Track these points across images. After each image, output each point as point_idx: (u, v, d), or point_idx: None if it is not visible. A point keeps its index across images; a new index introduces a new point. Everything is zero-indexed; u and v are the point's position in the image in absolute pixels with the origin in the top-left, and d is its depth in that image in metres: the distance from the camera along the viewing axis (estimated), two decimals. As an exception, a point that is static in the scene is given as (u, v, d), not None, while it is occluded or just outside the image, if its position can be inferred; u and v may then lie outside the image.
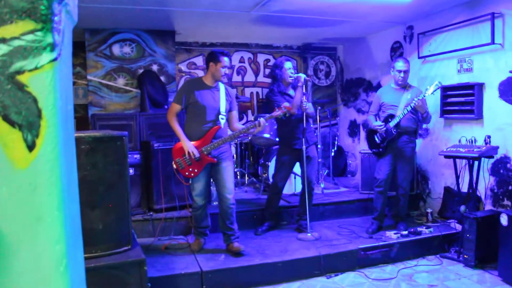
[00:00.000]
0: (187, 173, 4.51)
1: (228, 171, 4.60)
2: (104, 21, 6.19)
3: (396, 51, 7.03)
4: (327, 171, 7.63)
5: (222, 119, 4.55)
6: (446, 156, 5.08)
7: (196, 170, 4.50)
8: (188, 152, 4.43)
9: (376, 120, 5.45)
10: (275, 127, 5.76)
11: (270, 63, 8.44)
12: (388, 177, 5.39)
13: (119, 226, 3.48)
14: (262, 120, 4.45)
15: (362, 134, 8.04)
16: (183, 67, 7.90)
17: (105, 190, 3.38)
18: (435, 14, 6.05)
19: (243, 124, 4.90)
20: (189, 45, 7.91)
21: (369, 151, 6.07)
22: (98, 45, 6.62)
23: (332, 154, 7.64)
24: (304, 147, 5.10)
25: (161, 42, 6.91)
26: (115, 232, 3.46)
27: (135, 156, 5.39)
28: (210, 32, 7.21)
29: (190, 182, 4.63)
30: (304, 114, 5.09)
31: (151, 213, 5.42)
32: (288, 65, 5.19)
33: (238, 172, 7.23)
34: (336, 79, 9.01)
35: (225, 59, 4.41)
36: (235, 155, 7.24)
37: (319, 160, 7.02)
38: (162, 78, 6.87)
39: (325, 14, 6.02)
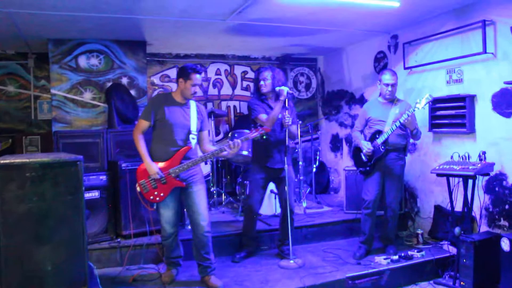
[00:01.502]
0: (151, 197, 4.13)
1: (200, 195, 4.23)
2: (69, 31, 5.84)
3: (380, 61, 6.75)
4: (309, 189, 7.31)
5: (193, 139, 4.22)
6: (439, 175, 4.73)
7: (162, 194, 4.14)
8: (153, 175, 4.09)
9: (364, 138, 5.15)
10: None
11: (248, 75, 8.22)
12: (376, 198, 5.05)
13: (72, 264, 3.04)
14: (236, 141, 4.14)
15: (345, 149, 7.83)
16: (155, 79, 7.56)
17: (56, 224, 2.97)
18: (422, 23, 5.77)
19: (217, 141, 4.56)
20: (161, 56, 7.61)
21: (354, 168, 5.86)
22: (63, 56, 6.27)
23: (314, 170, 7.23)
24: (282, 167, 4.81)
25: (131, 54, 6.61)
26: (68, 272, 3.00)
27: (101, 177, 5.05)
28: (184, 42, 6.93)
29: (155, 207, 4.25)
30: (286, 131, 4.71)
31: (118, 239, 5.05)
32: (266, 74, 4.87)
33: (214, 192, 6.85)
34: (317, 91, 8.79)
35: (197, 76, 4.12)
36: (211, 174, 6.90)
37: (301, 177, 6.75)
38: (133, 92, 6.55)
39: (306, 22, 5.75)
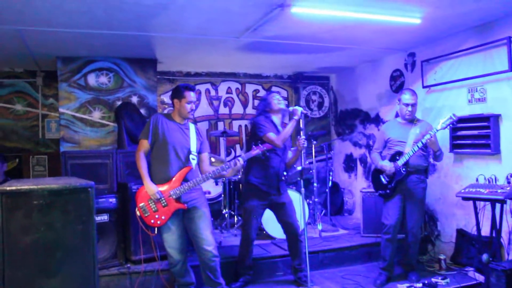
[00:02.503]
0: (152, 221, 4.03)
1: (204, 219, 4.11)
2: (79, 48, 5.79)
3: (396, 80, 6.61)
4: (323, 211, 7.15)
5: (193, 159, 4.15)
6: (465, 198, 4.51)
7: (163, 218, 4.03)
8: (153, 197, 4.02)
9: (383, 159, 4.99)
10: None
11: (260, 94, 8.11)
12: (397, 223, 4.87)
13: (82, 298, 2.78)
14: (238, 161, 4.09)
15: (360, 169, 7.69)
16: (165, 98, 7.47)
17: (65, 255, 2.79)
18: (441, 40, 5.63)
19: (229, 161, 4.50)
20: (172, 74, 7.52)
21: (371, 190, 5.73)
22: (72, 74, 6.20)
23: (326, 191, 7.10)
24: (281, 192, 4.69)
25: (142, 72, 6.53)
26: (78, 307, 2.76)
27: (111, 200, 4.92)
28: (195, 60, 6.87)
29: (156, 232, 4.14)
30: (301, 153, 4.67)
31: (128, 265, 4.87)
32: (275, 95, 4.79)
33: (226, 214, 6.66)
34: (329, 110, 8.68)
35: (191, 94, 4.12)
36: (222, 195, 6.78)
37: (315, 199, 6.61)
38: (142, 111, 6.47)
39: (321, 40, 5.65)
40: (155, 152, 4.11)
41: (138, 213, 4.04)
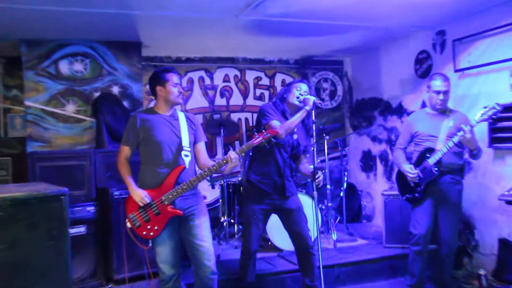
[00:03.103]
0: (144, 233, 3.99)
1: (203, 229, 4.09)
2: (47, 30, 5.76)
3: (423, 63, 6.58)
4: (338, 217, 7.17)
5: (187, 156, 4.09)
6: (510, 202, 4.49)
7: (156, 228, 3.98)
8: (145, 204, 4.00)
9: (408, 162, 4.96)
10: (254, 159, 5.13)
11: (262, 82, 8.13)
12: (428, 232, 4.82)
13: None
14: (232, 153, 3.97)
15: (380, 168, 7.70)
16: None
17: (32, 277, 2.74)
18: (476, 15, 5.56)
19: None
20: (160, 60, 7.51)
21: (395, 193, 5.74)
22: (40, 61, 6.16)
23: (341, 194, 7.11)
24: (288, 195, 4.59)
25: (124, 57, 6.54)
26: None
27: (88, 208, 5.05)
28: (186, 43, 6.89)
29: (151, 244, 4.11)
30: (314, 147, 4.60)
31: (110, 285, 4.99)
32: (300, 85, 4.66)
33: (225, 222, 6.69)
34: (343, 100, 8.71)
35: (173, 75, 4.16)
36: (220, 200, 6.83)
37: (329, 204, 6.62)
38: (125, 103, 6.48)
39: (334, 17, 5.64)
40: (144, 156, 4.11)
41: (128, 224, 4.03)
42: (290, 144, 4.55)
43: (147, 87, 6.89)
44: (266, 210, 4.63)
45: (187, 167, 4.06)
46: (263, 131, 4.15)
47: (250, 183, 4.64)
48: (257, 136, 4.03)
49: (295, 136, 4.53)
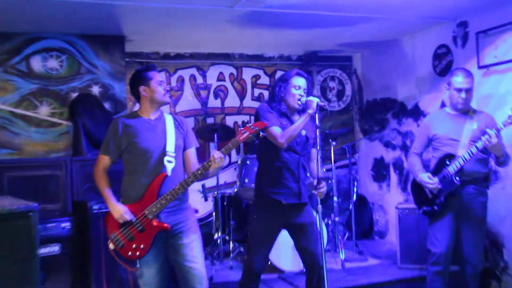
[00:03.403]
0: (130, 253, 3.97)
1: (194, 249, 4.07)
2: (18, 22, 5.75)
3: (442, 58, 6.57)
4: (347, 233, 7.18)
5: (170, 162, 4.07)
6: None
7: (142, 246, 3.96)
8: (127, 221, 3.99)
9: (425, 170, 4.94)
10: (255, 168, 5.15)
11: (261, 81, 8.15)
12: (449, 250, 4.79)
13: None
14: (216, 153, 3.91)
15: (394, 177, 7.70)
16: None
17: None
18: (503, 4, 5.52)
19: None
20: (146, 57, 7.54)
21: (411, 206, 5.78)
22: (9, 57, 6.13)
23: (350, 207, 7.16)
24: (302, 201, 4.51)
25: (105, 53, 6.54)
26: None
27: (64, 224, 5.08)
28: (175, 38, 6.90)
29: (139, 265, 4.09)
30: (318, 155, 4.42)
31: None
32: (298, 81, 4.58)
33: (219, 240, 6.70)
34: (352, 101, 8.74)
35: (156, 73, 4.22)
36: (214, 214, 6.84)
37: (336, 218, 6.66)
38: (107, 105, 6.48)
39: (342, 8, 5.64)
40: (128, 166, 4.13)
41: (111, 246, 4.02)
42: (299, 143, 4.52)
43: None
44: (278, 224, 4.59)
45: (170, 174, 4.05)
46: (249, 125, 4.10)
47: (262, 196, 4.59)
48: (243, 131, 4.00)
49: (303, 132, 4.48)
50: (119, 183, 4.10)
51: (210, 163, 3.93)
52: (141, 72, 4.19)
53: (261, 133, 4.06)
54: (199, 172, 3.95)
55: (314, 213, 4.75)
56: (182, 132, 4.24)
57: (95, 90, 6.43)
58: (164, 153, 4.08)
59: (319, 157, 4.44)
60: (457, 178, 4.64)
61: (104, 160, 4.10)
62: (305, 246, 4.55)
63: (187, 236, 4.06)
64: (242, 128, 4.03)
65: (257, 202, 4.67)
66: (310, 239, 4.53)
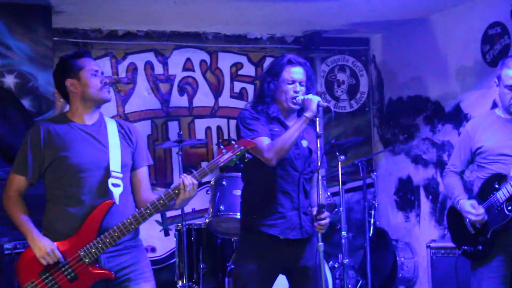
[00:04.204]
0: None
1: None
2: None
3: (495, 42, 6.57)
4: (360, 281, 7.14)
5: (117, 186, 4.02)
6: None
7: None
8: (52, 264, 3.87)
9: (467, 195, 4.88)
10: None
11: (244, 71, 8.20)
12: None
13: None
14: (187, 178, 3.87)
15: (425, 204, 7.69)
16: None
17: None
18: None
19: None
20: (83, 35, 7.56)
21: (449, 245, 5.90)
22: None
23: (365, 245, 7.14)
24: (304, 237, 4.45)
25: (23, 30, 6.55)
26: None
27: None
28: (123, 9, 6.91)
29: None
30: (318, 175, 4.39)
31: None
32: (291, 72, 4.53)
33: None
34: (369, 100, 8.79)
35: (89, 60, 4.14)
36: (177, 253, 6.81)
37: (345, 261, 6.57)
38: (26, 103, 6.52)
39: None
40: (52, 189, 4.02)
41: None
42: (299, 156, 4.47)
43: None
44: (271, 270, 4.54)
45: (117, 203, 3.97)
46: (233, 143, 4.03)
47: (250, 230, 4.56)
48: (224, 151, 3.95)
49: (304, 143, 4.46)
50: (40, 212, 4.02)
51: (177, 191, 3.88)
52: (67, 60, 4.09)
53: (247, 156, 4.02)
54: (161, 202, 3.90)
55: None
56: (130, 144, 4.17)
57: (9, 81, 6.43)
58: (107, 173, 4.01)
59: (319, 177, 4.35)
60: (510, 208, 4.57)
61: (19, 182, 4.00)
62: None
63: (136, 284, 4.00)
64: (223, 147, 3.99)
65: (245, 239, 4.66)
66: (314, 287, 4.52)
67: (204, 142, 7.79)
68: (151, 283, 4.11)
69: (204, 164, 3.98)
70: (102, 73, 4.15)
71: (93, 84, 4.02)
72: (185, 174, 3.91)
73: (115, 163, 4.04)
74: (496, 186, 4.64)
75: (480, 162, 4.85)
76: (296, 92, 4.45)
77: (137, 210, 4.06)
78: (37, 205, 4.01)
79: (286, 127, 4.49)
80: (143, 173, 4.26)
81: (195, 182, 3.86)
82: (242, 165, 4.30)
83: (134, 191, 4.22)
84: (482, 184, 4.78)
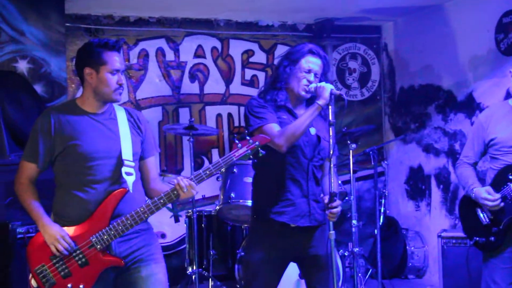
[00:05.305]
0: None
1: (155, 285, 4.06)
2: None
3: (509, 30, 6.58)
4: (370, 270, 7.14)
5: (130, 174, 4.05)
6: None
7: (82, 287, 3.88)
8: (57, 249, 3.85)
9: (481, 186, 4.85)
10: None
11: (255, 58, 8.19)
12: None
13: None
14: (183, 180, 3.90)
15: (436, 194, 7.70)
16: None
17: None
18: None
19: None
20: (95, 21, 7.55)
21: (460, 235, 5.86)
22: None
23: (375, 233, 7.11)
24: (314, 224, 4.43)
25: (36, 16, 6.53)
26: None
27: None
28: None
29: None
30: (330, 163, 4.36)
31: None
32: (311, 62, 4.51)
33: (194, 276, 6.65)
34: (380, 88, 8.79)
35: (114, 56, 4.04)
36: (187, 240, 6.86)
37: (355, 249, 6.57)
38: (39, 89, 6.51)
39: None
40: (63, 176, 4.02)
41: (34, 283, 3.91)
42: (309, 144, 4.47)
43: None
44: (282, 258, 4.53)
45: (131, 191, 3.99)
46: (248, 138, 4.07)
47: (260, 217, 4.56)
48: (239, 145, 3.98)
49: (312, 131, 4.45)
50: (48, 197, 4.04)
51: (176, 193, 3.92)
52: (94, 47, 4.02)
53: (260, 151, 4.03)
54: (166, 198, 3.92)
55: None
56: (139, 133, 4.19)
57: (22, 66, 6.45)
58: (120, 161, 4.01)
59: (331, 165, 4.35)
60: (524, 200, 4.63)
61: (29, 169, 4.01)
62: (318, 286, 4.54)
63: (147, 267, 4.00)
64: (238, 142, 4.01)
65: (255, 226, 4.67)
66: (324, 276, 4.50)
67: (216, 133, 7.73)
68: (161, 265, 4.13)
69: (216, 159, 4.05)
70: (123, 71, 4.11)
71: (110, 83, 4.00)
72: (181, 177, 3.94)
73: (127, 151, 4.05)
74: (510, 177, 4.63)
75: (493, 154, 4.85)
76: (309, 81, 4.44)
77: (149, 199, 4.10)
78: (45, 190, 4.03)
79: (294, 115, 4.49)
80: (151, 162, 4.30)
81: (193, 183, 3.89)
82: (255, 161, 4.30)
83: (142, 180, 4.24)
84: (496, 175, 4.76)
